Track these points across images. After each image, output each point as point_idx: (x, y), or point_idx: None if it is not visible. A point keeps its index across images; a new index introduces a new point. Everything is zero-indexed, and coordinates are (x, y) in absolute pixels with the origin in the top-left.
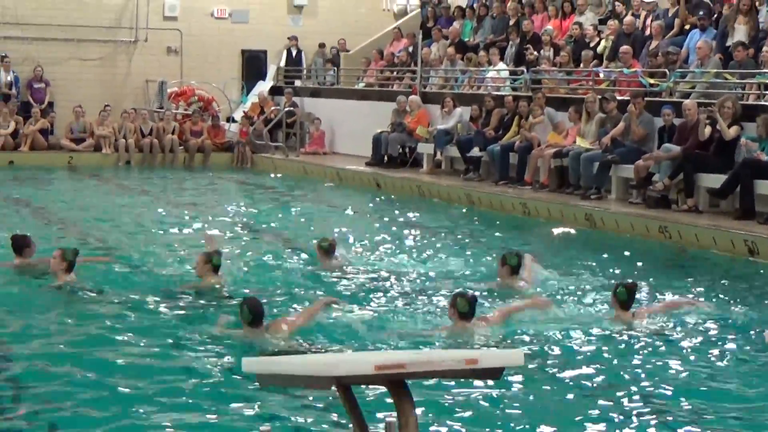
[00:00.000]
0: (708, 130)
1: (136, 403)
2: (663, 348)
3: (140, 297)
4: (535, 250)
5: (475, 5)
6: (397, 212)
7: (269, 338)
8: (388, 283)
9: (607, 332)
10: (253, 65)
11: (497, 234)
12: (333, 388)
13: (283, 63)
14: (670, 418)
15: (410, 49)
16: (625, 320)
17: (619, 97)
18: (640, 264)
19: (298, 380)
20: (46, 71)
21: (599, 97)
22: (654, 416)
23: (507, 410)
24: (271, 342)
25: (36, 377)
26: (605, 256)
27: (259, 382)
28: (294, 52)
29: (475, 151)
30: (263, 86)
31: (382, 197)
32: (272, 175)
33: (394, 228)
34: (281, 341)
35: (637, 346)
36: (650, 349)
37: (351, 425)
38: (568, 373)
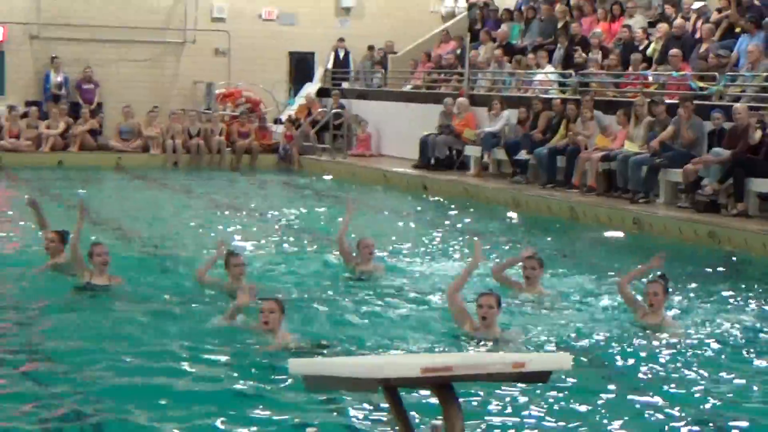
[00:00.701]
0: (758, 134)
1: (182, 404)
2: (705, 348)
3: (182, 296)
4: (582, 254)
5: (523, 8)
6: (443, 215)
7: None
8: (430, 285)
9: (650, 332)
10: (300, 67)
11: (544, 237)
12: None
13: (330, 65)
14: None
15: (458, 51)
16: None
17: (668, 101)
18: (688, 269)
19: (345, 382)
20: (95, 72)
21: (648, 100)
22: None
23: (550, 412)
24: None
25: (77, 379)
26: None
27: (306, 383)
28: (341, 54)
29: (523, 154)
30: (311, 88)
31: (429, 200)
32: (319, 177)
33: (439, 231)
34: (290, 342)
35: (678, 344)
36: (692, 349)
37: (397, 428)
38: (612, 375)
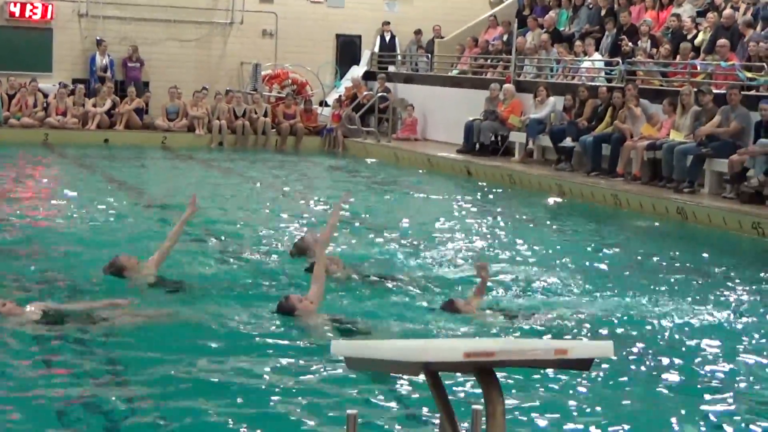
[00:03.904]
0: None
1: (213, 387)
2: (748, 338)
3: (225, 275)
4: (626, 242)
5: None
6: (486, 200)
7: None
8: (467, 272)
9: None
10: (347, 50)
11: (587, 225)
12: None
13: (377, 48)
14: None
15: (505, 37)
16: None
17: (715, 91)
18: (731, 260)
19: (387, 365)
20: (143, 51)
21: (695, 90)
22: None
23: (590, 400)
24: None
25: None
26: (696, 250)
27: (348, 365)
28: (387, 38)
29: (568, 141)
30: (357, 71)
31: (473, 185)
32: (363, 160)
33: (482, 216)
34: None
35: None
36: (735, 340)
37: (438, 412)
38: (651, 365)
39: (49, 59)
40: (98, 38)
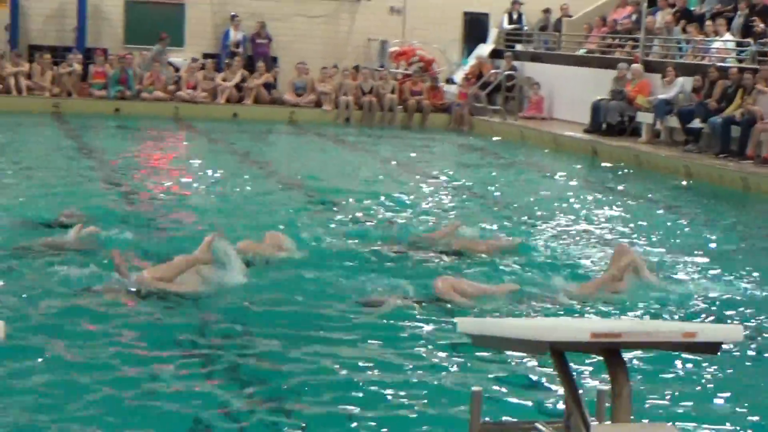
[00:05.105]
0: None
1: (330, 358)
2: None
3: (348, 248)
4: (754, 227)
5: None
6: (612, 181)
7: None
8: (589, 254)
9: None
10: (474, 27)
11: (715, 207)
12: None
13: (504, 26)
14: None
15: (634, 16)
16: None
17: None
18: None
19: (513, 343)
20: (271, 27)
21: None
22: None
23: (715, 386)
24: None
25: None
26: None
27: (473, 342)
28: (515, 16)
29: (696, 123)
30: (484, 49)
31: (599, 165)
32: (489, 138)
33: (608, 196)
34: None
35: None
36: None
37: (563, 391)
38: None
39: (181, 34)
40: (233, 14)
